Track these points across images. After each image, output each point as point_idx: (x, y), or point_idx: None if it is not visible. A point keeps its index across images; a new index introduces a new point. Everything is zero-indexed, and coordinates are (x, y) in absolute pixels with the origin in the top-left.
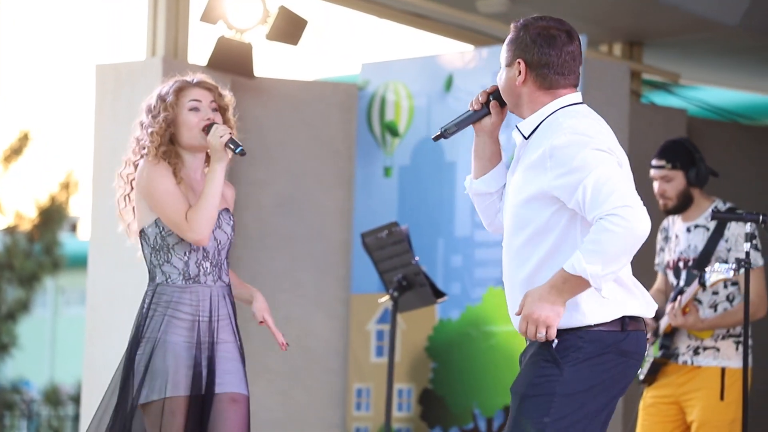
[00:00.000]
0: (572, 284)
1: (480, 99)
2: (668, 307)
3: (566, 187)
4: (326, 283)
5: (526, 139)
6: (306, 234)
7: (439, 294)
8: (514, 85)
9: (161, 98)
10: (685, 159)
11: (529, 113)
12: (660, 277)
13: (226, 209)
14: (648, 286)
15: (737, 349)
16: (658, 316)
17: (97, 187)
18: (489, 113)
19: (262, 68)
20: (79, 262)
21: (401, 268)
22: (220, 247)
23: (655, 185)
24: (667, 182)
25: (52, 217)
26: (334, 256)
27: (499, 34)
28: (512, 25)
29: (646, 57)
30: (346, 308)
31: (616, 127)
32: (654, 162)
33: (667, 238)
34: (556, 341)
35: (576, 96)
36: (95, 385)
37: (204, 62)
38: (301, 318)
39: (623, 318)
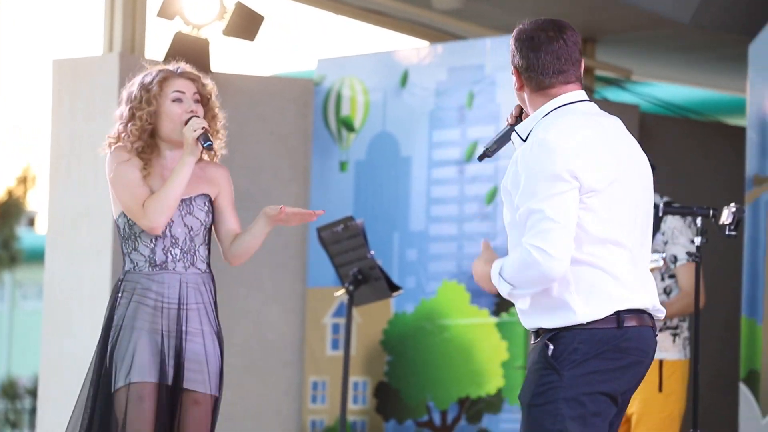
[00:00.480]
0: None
1: (514, 113)
2: None
3: (519, 195)
4: (282, 277)
5: (524, 141)
6: None
7: (394, 288)
8: (517, 92)
9: (144, 88)
10: None
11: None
12: None
13: (204, 195)
14: None
15: (674, 341)
16: None
17: (54, 181)
18: None
19: (218, 64)
20: (37, 256)
21: (357, 262)
22: (192, 233)
23: None
24: None
25: (10, 211)
26: (290, 250)
27: (454, 31)
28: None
29: (599, 53)
30: (302, 302)
31: None
32: None
33: None
34: (551, 347)
35: (574, 95)
36: (52, 379)
37: (161, 58)
38: (258, 311)
39: (618, 314)
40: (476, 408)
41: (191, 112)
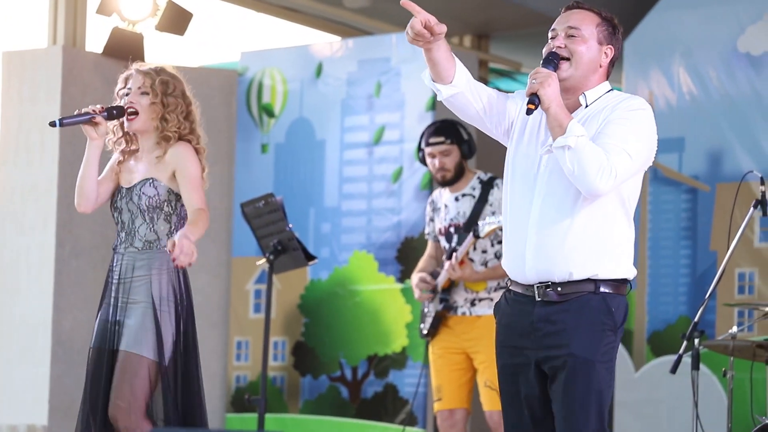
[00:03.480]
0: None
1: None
2: (446, 264)
3: (614, 125)
4: (210, 248)
5: (587, 106)
6: None
7: (310, 257)
8: (598, 62)
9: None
10: (459, 135)
11: (592, 87)
12: (430, 244)
13: (146, 179)
14: None
15: None
16: (435, 275)
17: (4, 160)
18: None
19: (152, 56)
20: None
21: (276, 234)
22: (132, 216)
23: (434, 161)
24: (446, 156)
25: None
26: (217, 224)
27: (363, 27)
28: (596, 10)
29: (493, 48)
30: (228, 270)
31: None
32: (432, 140)
33: (435, 209)
34: (613, 309)
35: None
36: (3, 340)
37: (100, 50)
38: None
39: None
40: (383, 364)
41: (130, 102)
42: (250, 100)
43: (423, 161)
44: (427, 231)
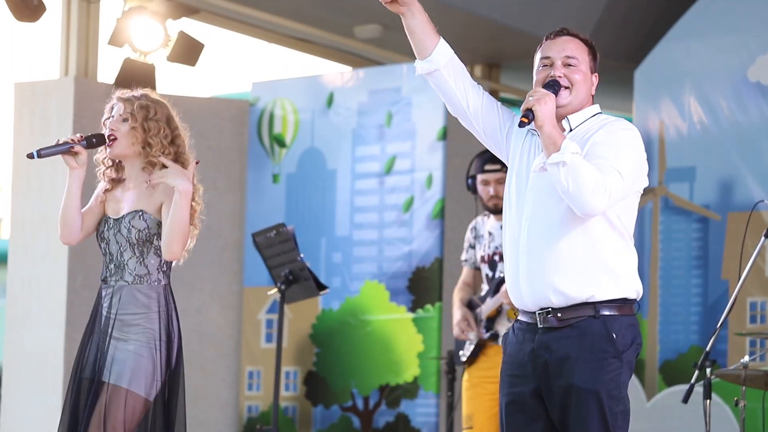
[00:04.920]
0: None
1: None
2: (502, 290)
3: (606, 147)
4: (221, 277)
5: (571, 130)
6: (203, 233)
7: (321, 287)
8: (590, 90)
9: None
10: None
11: (579, 111)
12: (466, 271)
13: (135, 211)
14: None
15: None
16: (473, 305)
17: (16, 191)
18: None
19: (163, 86)
20: (2, 259)
21: (288, 264)
22: (121, 249)
23: (488, 188)
24: (500, 184)
25: None
26: (229, 253)
27: (374, 57)
28: (582, 37)
29: (503, 77)
30: (239, 299)
31: None
32: (488, 167)
33: (477, 237)
34: (615, 335)
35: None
36: (14, 368)
37: (112, 81)
38: (199, 308)
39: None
40: (395, 394)
41: (111, 130)
42: (262, 130)
43: (472, 189)
44: (464, 257)
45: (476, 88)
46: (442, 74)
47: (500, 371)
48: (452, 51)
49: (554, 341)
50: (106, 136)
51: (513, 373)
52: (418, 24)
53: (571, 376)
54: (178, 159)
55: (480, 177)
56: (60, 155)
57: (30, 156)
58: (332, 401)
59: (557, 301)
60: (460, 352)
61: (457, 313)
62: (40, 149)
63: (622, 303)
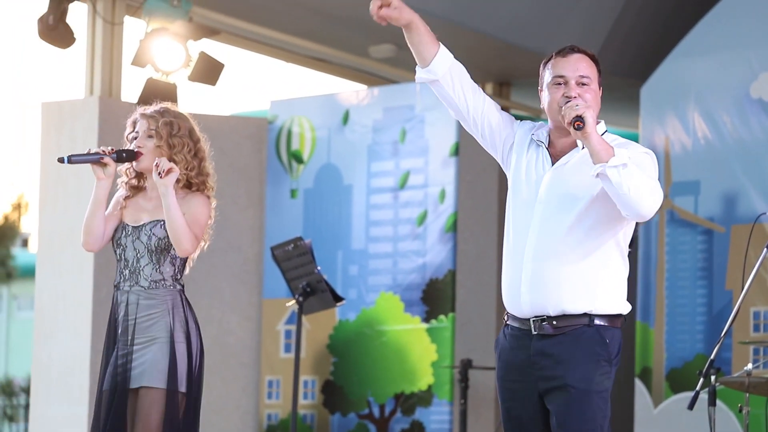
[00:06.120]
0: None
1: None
2: None
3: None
4: (241, 290)
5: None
6: (224, 247)
7: (338, 298)
8: (596, 100)
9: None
10: None
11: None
12: None
13: (156, 221)
14: None
15: None
16: None
17: (43, 207)
18: None
19: (185, 105)
20: (30, 272)
21: (305, 277)
22: (138, 255)
23: None
24: None
25: (6, 233)
26: (248, 266)
27: (388, 76)
28: (591, 55)
29: (513, 95)
30: (259, 311)
31: None
32: None
33: None
34: (608, 341)
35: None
36: (43, 378)
37: (135, 100)
38: (220, 319)
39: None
40: (410, 402)
41: (137, 147)
42: (280, 147)
43: None
44: None
45: (476, 92)
46: (440, 84)
47: (495, 376)
48: (452, 58)
49: (549, 346)
50: (134, 152)
51: (509, 379)
52: (415, 38)
53: (566, 377)
54: (201, 170)
55: None
56: (89, 164)
57: (60, 160)
58: (349, 409)
59: (554, 312)
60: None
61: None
62: (72, 155)
63: (616, 318)
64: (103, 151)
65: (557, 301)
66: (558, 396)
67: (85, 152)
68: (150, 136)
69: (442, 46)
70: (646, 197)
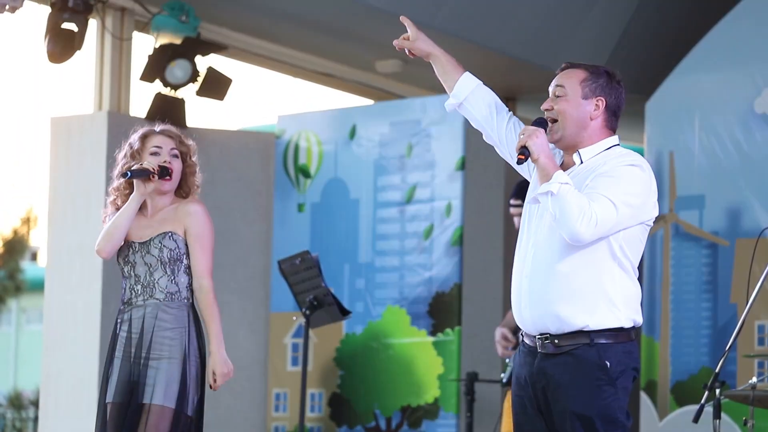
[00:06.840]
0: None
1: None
2: None
3: (606, 179)
4: (248, 303)
5: (582, 163)
6: (231, 261)
7: (345, 312)
8: (587, 117)
9: (130, 146)
10: None
11: (590, 143)
12: None
13: (164, 233)
14: None
15: None
16: (518, 329)
17: (52, 221)
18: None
19: (193, 119)
20: (39, 286)
21: (312, 290)
22: (151, 269)
23: (515, 220)
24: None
25: (15, 247)
26: (255, 280)
27: (395, 91)
28: (583, 65)
29: (519, 110)
30: (266, 324)
31: None
32: (512, 201)
33: None
34: (608, 364)
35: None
36: (51, 391)
37: (144, 115)
38: (227, 333)
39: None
40: (416, 415)
41: (165, 162)
42: (287, 162)
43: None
44: None
45: (502, 114)
46: (465, 107)
47: (511, 390)
48: (475, 82)
49: (551, 367)
50: (169, 170)
51: (518, 393)
52: (439, 70)
53: (567, 402)
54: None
55: (510, 208)
56: (133, 179)
57: (123, 175)
58: (356, 422)
59: (554, 328)
60: (502, 375)
61: (497, 332)
62: (132, 169)
63: (618, 332)
64: (153, 168)
65: (554, 317)
66: (560, 419)
67: (140, 167)
68: (175, 156)
69: (466, 72)
70: (572, 222)
